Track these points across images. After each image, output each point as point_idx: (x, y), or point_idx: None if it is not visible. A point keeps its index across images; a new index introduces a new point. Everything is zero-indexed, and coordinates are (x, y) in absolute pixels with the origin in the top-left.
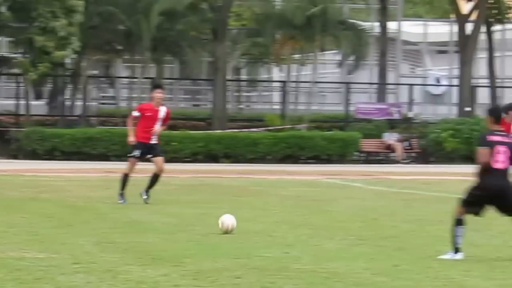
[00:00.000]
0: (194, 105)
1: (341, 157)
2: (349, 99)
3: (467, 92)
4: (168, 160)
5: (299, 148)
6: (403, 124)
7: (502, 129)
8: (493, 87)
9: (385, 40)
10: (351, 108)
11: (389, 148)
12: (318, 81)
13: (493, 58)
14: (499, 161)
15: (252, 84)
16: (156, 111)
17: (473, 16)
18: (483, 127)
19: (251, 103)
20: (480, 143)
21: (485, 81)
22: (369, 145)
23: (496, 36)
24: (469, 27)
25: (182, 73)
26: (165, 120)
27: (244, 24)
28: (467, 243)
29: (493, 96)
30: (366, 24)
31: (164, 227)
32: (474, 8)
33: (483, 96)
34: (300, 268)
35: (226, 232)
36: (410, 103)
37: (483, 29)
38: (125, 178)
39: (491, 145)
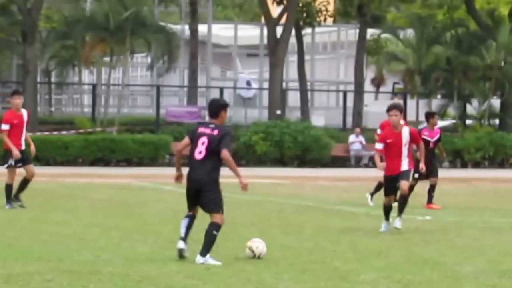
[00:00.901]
0: (4, 108)
1: (152, 160)
2: (160, 102)
3: (278, 95)
4: None
5: (110, 151)
6: None
7: (215, 121)
8: (303, 90)
9: (195, 43)
10: (162, 111)
11: None
12: (129, 84)
13: (303, 61)
14: (198, 152)
15: (62, 87)
16: (21, 116)
17: (283, 20)
18: (294, 130)
19: (61, 106)
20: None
21: (296, 84)
22: None
23: (306, 40)
24: (279, 31)
25: None
26: (27, 123)
27: (54, 26)
28: (279, 246)
29: (303, 99)
30: (176, 27)
31: None
32: (284, 11)
33: (293, 99)
34: (112, 271)
35: (257, 256)
36: None
37: (293, 32)
38: (9, 188)
39: (197, 136)
